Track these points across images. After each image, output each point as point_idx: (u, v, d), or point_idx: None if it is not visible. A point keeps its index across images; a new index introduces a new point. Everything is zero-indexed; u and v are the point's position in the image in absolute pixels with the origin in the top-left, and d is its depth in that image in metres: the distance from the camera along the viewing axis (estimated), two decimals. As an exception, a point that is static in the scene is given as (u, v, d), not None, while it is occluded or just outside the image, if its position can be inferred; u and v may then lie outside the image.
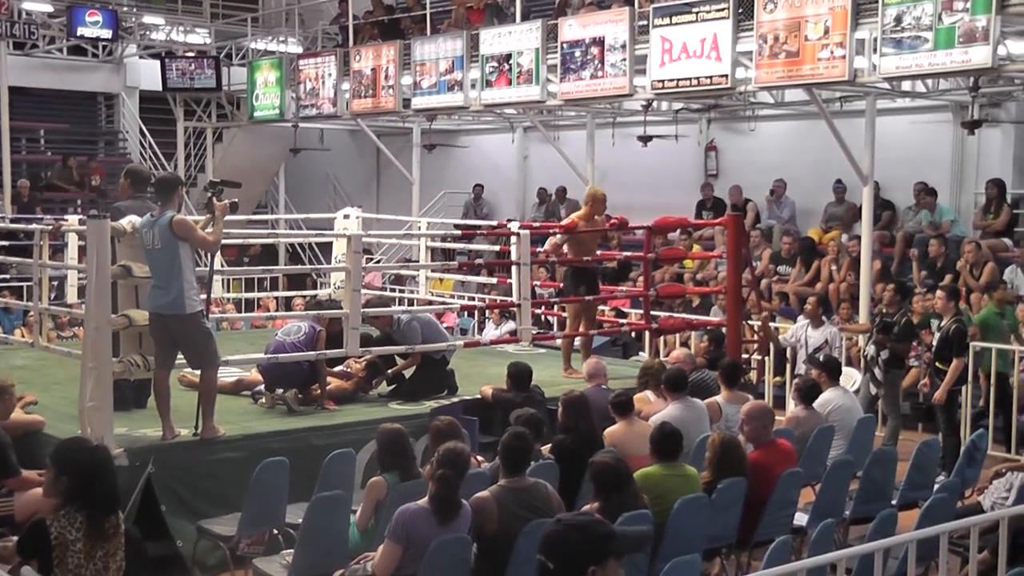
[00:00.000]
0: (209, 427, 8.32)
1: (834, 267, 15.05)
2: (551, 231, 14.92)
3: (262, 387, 9.82)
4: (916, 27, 11.66)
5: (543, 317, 14.78)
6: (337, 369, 10.15)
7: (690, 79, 13.78)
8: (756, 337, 12.33)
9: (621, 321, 13.37)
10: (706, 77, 13.60)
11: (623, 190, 16.86)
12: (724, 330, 11.80)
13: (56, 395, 9.57)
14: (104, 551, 4.98)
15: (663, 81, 14.13)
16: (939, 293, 11.46)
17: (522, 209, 21.39)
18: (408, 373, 10.28)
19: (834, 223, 16.33)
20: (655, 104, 16.87)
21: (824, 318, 12.67)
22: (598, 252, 12.59)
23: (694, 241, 16.74)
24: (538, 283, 14.14)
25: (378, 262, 19.16)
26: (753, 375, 11.91)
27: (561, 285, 12.28)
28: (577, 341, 11.74)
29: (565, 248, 11.63)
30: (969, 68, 11.67)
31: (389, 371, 10.27)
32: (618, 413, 8.31)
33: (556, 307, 14.20)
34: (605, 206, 11.62)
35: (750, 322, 12.33)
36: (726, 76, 13.40)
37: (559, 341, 12.48)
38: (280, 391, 9.53)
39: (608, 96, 15.24)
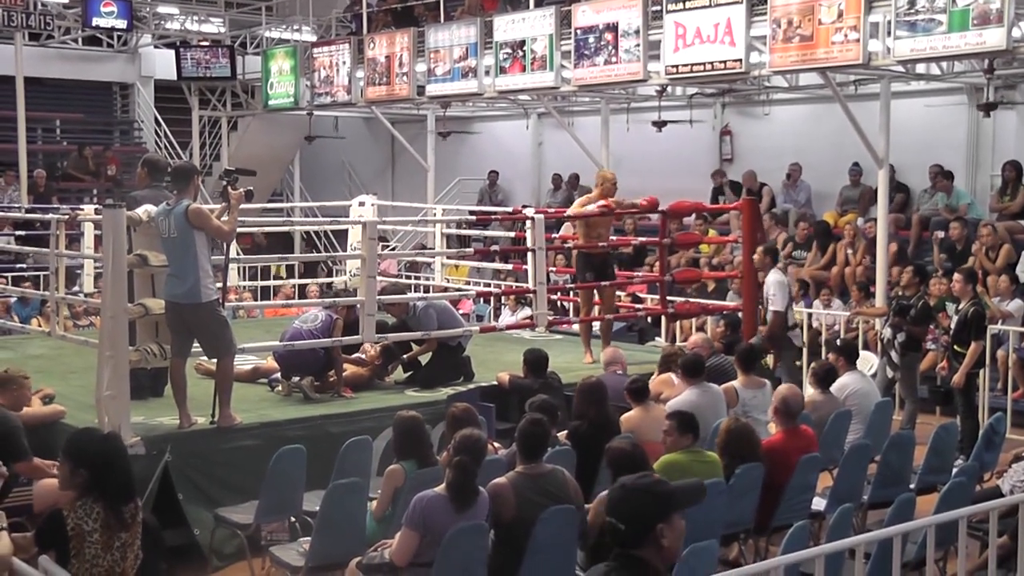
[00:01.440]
0: (226, 415, 8.34)
1: (850, 251, 15.00)
2: (565, 217, 14.92)
3: (278, 375, 9.85)
4: (930, 9, 11.62)
5: (559, 303, 14.77)
6: (352, 356, 10.16)
7: (704, 64, 13.74)
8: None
9: (637, 306, 13.35)
10: (720, 62, 13.56)
11: (638, 175, 16.82)
12: (740, 315, 11.78)
13: (73, 384, 9.61)
14: (121, 541, 4.97)
15: (677, 66, 14.09)
16: (957, 276, 11.40)
17: (537, 195, 21.37)
18: (424, 360, 10.30)
19: (849, 206, 16.28)
20: (669, 89, 16.83)
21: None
22: (613, 237, 12.57)
23: (710, 226, 16.71)
24: (554, 269, 14.14)
25: (393, 249, 19.18)
26: (770, 360, 11.86)
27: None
28: (596, 327, 11.73)
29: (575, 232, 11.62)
30: (983, 50, 11.63)
31: (404, 356, 10.27)
32: (634, 399, 8.32)
33: (572, 293, 14.19)
34: (616, 188, 11.60)
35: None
36: (740, 61, 13.36)
37: (576, 327, 12.50)
38: (296, 379, 9.55)
39: (622, 82, 15.20)
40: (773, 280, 11.12)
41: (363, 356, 10.24)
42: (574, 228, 11.76)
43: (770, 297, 11.12)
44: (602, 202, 11.35)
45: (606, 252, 11.75)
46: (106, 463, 5.02)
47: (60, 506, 5.05)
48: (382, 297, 9.89)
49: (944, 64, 14.14)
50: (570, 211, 12.23)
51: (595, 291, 11.72)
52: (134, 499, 5.15)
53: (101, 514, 4.90)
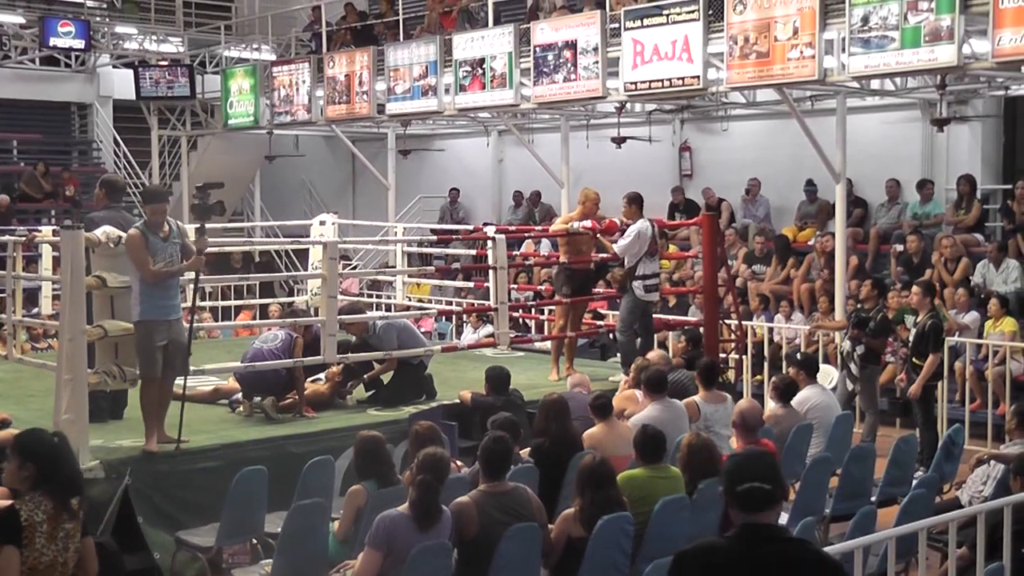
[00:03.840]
0: (150, 441, 8.24)
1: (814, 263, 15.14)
2: (526, 235, 14.91)
3: (239, 395, 9.79)
4: (883, 27, 11.74)
5: (521, 320, 14.77)
6: (310, 379, 10.10)
7: (662, 81, 13.80)
8: (733, 336, 12.36)
9: (599, 323, 13.37)
10: (678, 78, 13.62)
11: (598, 191, 16.84)
12: (701, 330, 11.83)
13: (32, 408, 9.48)
14: (65, 532, 5.16)
15: (636, 83, 14.15)
16: (915, 289, 11.51)
17: (498, 212, 21.39)
18: (386, 379, 10.26)
19: (808, 221, 16.40)
20: (628, 106, 16.88)
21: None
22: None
23: (669, 241, 16.77)
24: (515, 287, 14.14)
25: (355, 268, 19.12)
26: (731, 374, 11.91)
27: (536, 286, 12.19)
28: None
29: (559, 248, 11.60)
30: (935, 67, 11.76)
31: (365, 375, 10.24)
32: (598, 415, 8.33)
33: (534, 310, 14.19)
34: (598, 207, 11.62)
35: (727, 321, 12.36)
36: (698, 77, 13.43)
37: (538, 344, 12.48)
38: (258, 399, 9.50)
39: (581, 99, 15.24)
40: (634, 227, 11.03)
41: (321, 377, 10.20)
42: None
43: (622, 237, 11.11)
44: (588, 223, 11.35)
45: (588, 269, 11.75)
46: (56, 457, 5.24)
47: (13, 502, 5.20)
48: (341, 316, 9.86)
49: (898, 80, 14.30)
50: (553, 228, 12.26)
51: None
52: (81, 492, 5.35)
53: (49, 507, 5.11)
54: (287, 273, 20.03)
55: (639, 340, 11.26)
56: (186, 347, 8.34)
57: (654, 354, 10.71)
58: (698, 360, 10.23)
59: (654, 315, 11.86)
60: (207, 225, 8.35)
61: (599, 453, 7.41)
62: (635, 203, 11.27)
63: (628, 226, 11.14)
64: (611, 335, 13.31)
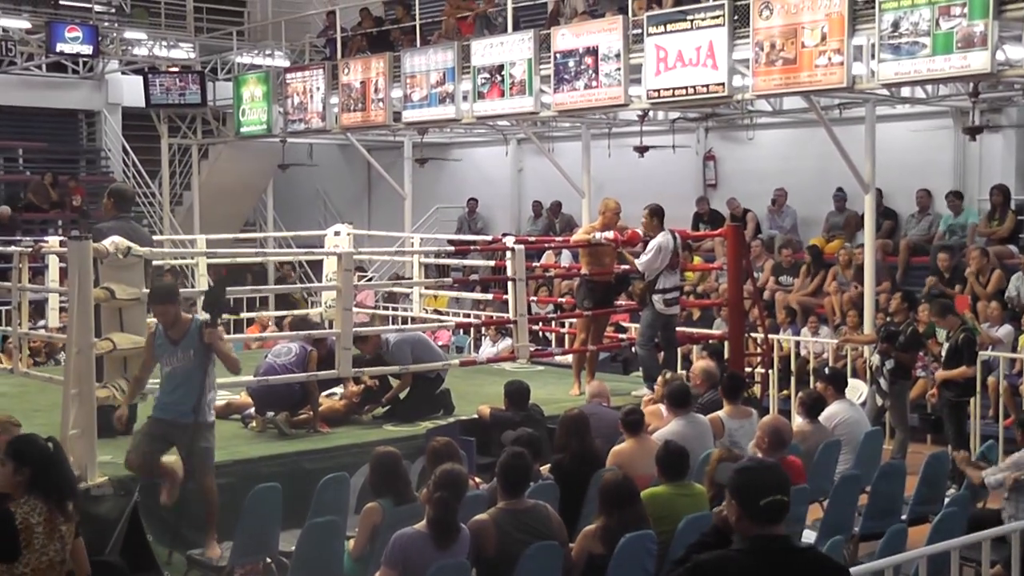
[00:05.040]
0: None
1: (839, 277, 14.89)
2: (546, 246, 14.69)
3: (252, 410, 9.66)
4: (914, 32, 11.55)
5: (540, 333, 14.54)
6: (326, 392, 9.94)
7: (686, 88, 13.62)
8: (759, 350, 12.14)
9: (621, 336, 13.16)
10: (702, 86, 13.44)
11: (620, 201, 16.65)
12: (726, 343, 11.61)
13: (37, 423, 9.17)
14: (61, 533, 5.41)
15: (659, 90, 13.95)
16: (934, 309, 11.35)
17: (517, 223, 21.26)
18: (403, 394, 10.10)
19: (836, 232, 16.17)
20: (651, 114, 16.70)
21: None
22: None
23: (694, 253, 16.54)
24: (535, 299, 13.90)
25: (370, 279, 18.95)
26: (757, 389, 11.67)
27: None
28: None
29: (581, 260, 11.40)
30: (968, 73, 11.58)
31: (384, 398, 10.05)
32: (628, 430, 8.19)
33: (554, 323, 13.99)
34: (618, 217, 11.38)
35: (753, 335, 12.14)
36: (723, 84, 13.25)
37: (559, 358, 12.28)
38: (271, 414, 9.37)
39: (603, 106, 15.07)
40: (656, 241, 10.77)
41: (336, 392, 10.02)
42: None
43: (644, 252, 10.86)
44: (610, 234, 11.10)
45: (609, 282, 11.51)
46: (49, 461, 5.48)
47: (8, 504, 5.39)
48: (355, 330, 9.69)
49: (929, 87, 14.10)
50: (574, 239, 12.11)
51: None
52: (76, 495, 5.69)
53: (44, 509, 5.37)
54: (301, 285, 19.87)
55: (662, 354, 11.05)
56: (192, 459, 7.64)
57: (701, 364, 10.38)
58: (722, 374, 10.01)
59: (678, 328, 11.63)
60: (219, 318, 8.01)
61: (626, 470, 7.26)
62: (657, 216, 11.02)
63: (650, 239, 10.88)
64: (633, 348, 13.10)
